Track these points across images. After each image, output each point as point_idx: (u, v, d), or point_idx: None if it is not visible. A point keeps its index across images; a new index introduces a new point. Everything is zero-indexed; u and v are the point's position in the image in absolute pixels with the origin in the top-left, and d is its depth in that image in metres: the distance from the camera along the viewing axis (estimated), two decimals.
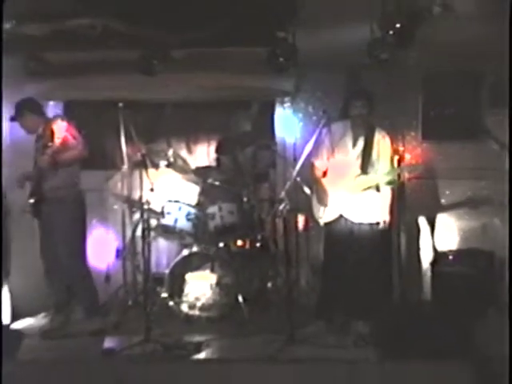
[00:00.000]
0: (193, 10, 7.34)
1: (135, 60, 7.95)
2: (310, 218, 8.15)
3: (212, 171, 8.70)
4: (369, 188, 7.55)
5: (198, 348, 6.94)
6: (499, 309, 7.08)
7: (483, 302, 7.68)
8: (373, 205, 7.58)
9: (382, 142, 7.67)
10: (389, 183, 7.65)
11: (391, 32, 7.20)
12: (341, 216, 7.61)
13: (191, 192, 8.73)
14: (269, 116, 9.73)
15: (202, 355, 6.81)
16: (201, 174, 8.65)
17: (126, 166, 8.76)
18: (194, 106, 9.83)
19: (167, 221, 8.31)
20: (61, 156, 7.95)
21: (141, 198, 8.03)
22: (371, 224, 7.56)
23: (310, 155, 7.27)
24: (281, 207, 7.43)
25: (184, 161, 8.85)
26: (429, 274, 8.82)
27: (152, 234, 8.04)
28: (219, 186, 8.45)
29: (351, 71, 8.63)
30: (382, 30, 7.28)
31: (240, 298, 7.88)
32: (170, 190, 8.95)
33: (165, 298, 8.05)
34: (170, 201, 8.43)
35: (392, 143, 7.81)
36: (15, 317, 8.61)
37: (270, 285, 8.36)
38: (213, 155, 9.39)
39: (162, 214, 8.34)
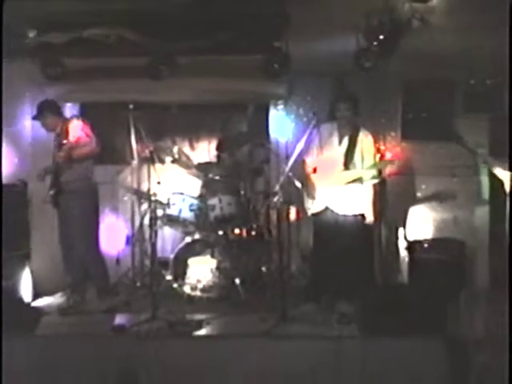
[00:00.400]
0: (196, 21, 7.33)
1: (144, 66, 7.94)
2: (301, 209, 8.17)
3: (213, 166, 8.70)
4: (352, 182, 7.58)
5: (200, 325, 6.94)
6: (468, 291, 7.12)
7: (454, 285, 7.71)
8: (356, 198, 7.60)
9: (365, 141, 7.69)
10: (371, 178, 7.68)
11: (375, 43, 7.19)
12: (327, 208, 7.64)
13: (194, 185, 8.73)
14: (264, 117, 9.71)
15: (203, 332, 6.82)
16: (202, 169, 8.66)
17: (135, 162, 8.75)
18: (197, 108, 9.83)
19: (172, 211, 8.34)
20: (75, 152, 7.97)
21: (148, 190, 8.03)
22: (354, 215, 7.59)
23: (301, 153, 7.27)
24: (274, 199, 7.44)
25: (187, 157, 8.85)
26: (406, 260, 8.85)
27: (158, 222, 8.00)
28: (219, 180, 8.45)
29: (338, 78, 8.64)
30: (367, 41, 7.28)
31: (237, 281, 7.90)
32: (175, 184, 8.91)
33: (169, 280, 8.07)
34: (174, 193, 8.45)
35: (374, 142, 7.84)
36: (36, 295, 8.66)
37: (264, 269, 8.33)
38: (213, 152, 9.35)
39: (167, 204, 8.35)
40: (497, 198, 7.97)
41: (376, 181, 7.85)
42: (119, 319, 7.36)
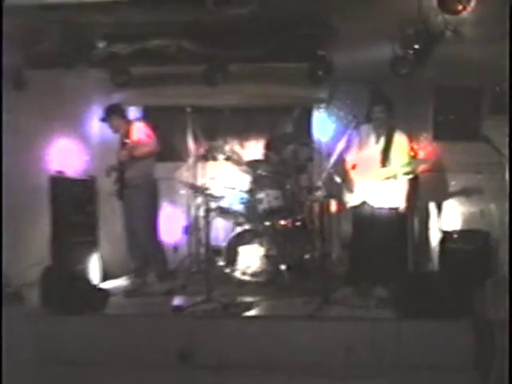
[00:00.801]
0: (248, 32, 7.36)
1: (200, 73, 7.95)
2: (341, 202, 8.14)
3: (261, 164, 8.67)
4: (388, 178, 7.54)
5: (249, 307, 6.96)
6: (494, 278, 7.04)
7: (481, 273, 7.63)
8: (391, 192, 7.55)
9: (400, 140, 7.63)
10: (405, 174, 7.63)
11: (410, 51, 7.15)
12: (364, 201, 7.61)
13: (244, 181, 8.72)
14: (308, 119, 9.78)
15: (252, 312, 6.82)
16: (252, 166, 8.63)
17: (191, 159, 8.84)
18: (247, 111, 9.89)
19: (224, 204, 8.32)
20: (136, 152, 8.04)
21: (203, 185, 8.14)
22: (390, 208, 7.55)
23: (341, 151, 7.25)
24: (317, 194, 7.48)
25: (238, 155, 8.83)
26: (437, 249, 8.79)
27: (212, 214, 8.01)
28: (267, 176, 8.41)
29: (375, 83, 8.59)
30: (403, 50, 7.23)
31: (283, 267, 7.90)
32: (227, 179, 8.94)
33: (222, 266, 8.09)
34: (226, 188, 8.45)
35: (408, 141, 7.79)
36: (104, 279, 8.77)
37: (307, 256, 8.30)
38: (262, 151, 9.34)
39: (220, 198, 8.34)
40: None
41: (409, 177, 7.79)
42: (177, 301, 7.42)
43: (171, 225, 9.42)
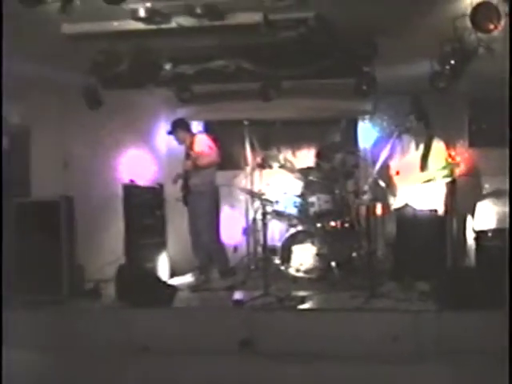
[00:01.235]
0: (299, 52, 7.38)
1: (256, 90, 8.00)
2: (385, 205, 8.09)
3: (312, 171, 8.63)
4: (428, 182, 7.50)
5: (303, 300, 6.91)
6: None
7: None
8: (431, 195, 7.52)
9: (438, 147, 7.61)
10: (443, 178, 7.59)
11: (447, 67, 7.08)
12: (407, 204, 7.57)
13: (297, 186, 8.69)
14: (354, 130, 9.73)
15: (305, 306, 6.80)
16: (304, 173, 8.60)
17: (248, 167, 8.88)
18: (298, 123, 9.88)
19: (279, 207, 8.30)
20: (199, 162, 8.12)
21: (260, 190, 8.16)
22: (430, 210, 7.50)
23: (385, 158, 7.23)
24: (364, 197, 7.48)
25: (291, 163, 8.79)
26: (473, 246, 8.66)
27: (268, 217, 7.97)
28: (317, 182, 8.37)
29: (415, 96, 8.51)
30: (440, 66, 7.16)
31: (333, 264, 7.85)
32: (282, 185, 8.89)
33: (277, 264, 8.04)
34: (281, 193, 8.43)
35: (446, 148, 7.73)
36: (172, 275, 8.84)
37: (355, 254, 8.26)
38: (312, 159, 9.31)
39: (275, 202, 8.32)
40: None
41: (447, 181, 7.73)
42: (237, 295, 7.47)
43: (231, 227, 9.42)
